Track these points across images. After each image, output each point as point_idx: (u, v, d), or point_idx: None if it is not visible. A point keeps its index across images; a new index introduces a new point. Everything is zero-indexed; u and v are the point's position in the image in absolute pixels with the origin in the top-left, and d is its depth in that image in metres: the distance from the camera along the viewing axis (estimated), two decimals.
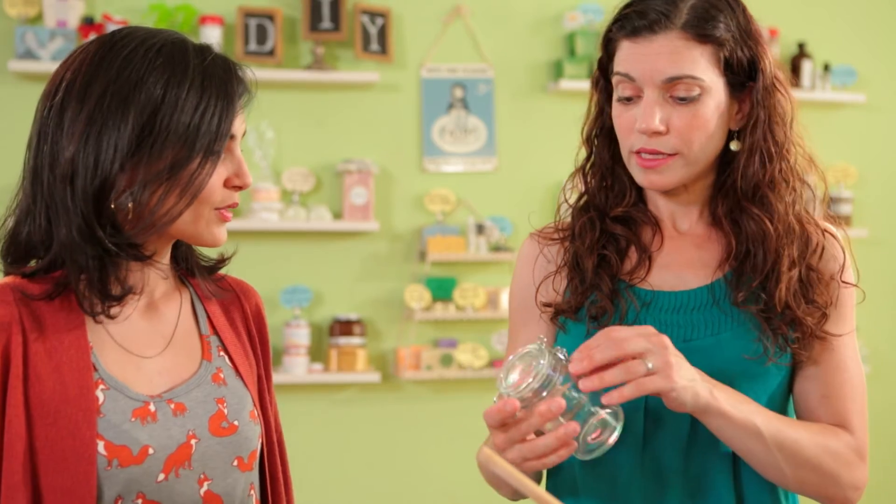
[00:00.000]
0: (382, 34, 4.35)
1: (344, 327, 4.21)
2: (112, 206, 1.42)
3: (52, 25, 4.01)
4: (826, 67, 4.71)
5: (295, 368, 4.13)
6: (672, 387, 1.42)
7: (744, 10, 1.61)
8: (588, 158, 1.69)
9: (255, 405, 1.57)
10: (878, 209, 4.79)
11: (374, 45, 4.33)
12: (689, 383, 1.44)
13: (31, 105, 1.48)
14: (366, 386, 4.32)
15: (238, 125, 1.49)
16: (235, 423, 1.53)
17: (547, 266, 1.68)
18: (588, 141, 1.69)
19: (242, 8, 4.22)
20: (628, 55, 1.58)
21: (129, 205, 1.42)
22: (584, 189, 1.69)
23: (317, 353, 4.27)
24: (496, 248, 4.37)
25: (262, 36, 4.22)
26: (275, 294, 4.23)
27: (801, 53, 4.65)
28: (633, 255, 1.64)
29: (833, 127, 4.70)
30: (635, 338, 1.42)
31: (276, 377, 4.08)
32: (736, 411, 1.49)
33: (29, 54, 3.96)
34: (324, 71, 4.22)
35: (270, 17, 4.24)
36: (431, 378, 4.29)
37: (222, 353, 1.58)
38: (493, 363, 4.36)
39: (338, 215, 4.31)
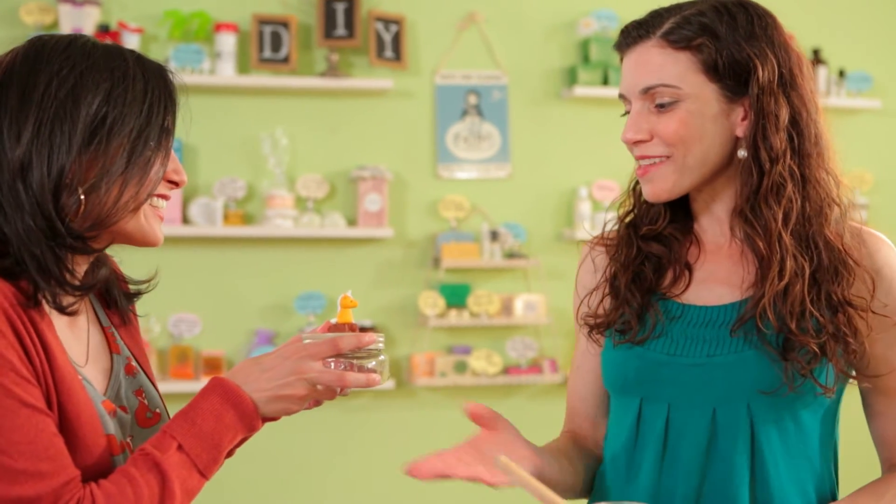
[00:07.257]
0: (397, 41, 4.35)
1: None
2: (64, 200, 1.40)
3: (67, 33, 4.03)
4: (841, 73, 4.71)
5: None
6: None
7: (756, 15, 1.57)
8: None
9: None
10: (894, 215, 4.78)
11: (389, 52, 4.34)
12: None
13: None
14: (380, 393, 4.32)
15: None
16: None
17: (592, 273, 1.71)
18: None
19: (257, 15, 4.23)
20: (622, 72, 1.61)
21: (81, 198, 1.40)
22: (632, 206, 1.70)
23: None
24: (510, 255, 4.37)
25: (276, 43, 4.24)
26: (289, 301, 4.24)
27: (816, 59, 4.64)
28: (672, 271, 1.64)
29: (848, 133, 4.68)
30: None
31: None
32: None
33: None
34: (338, 78, 4.23)
35: (285, 25, 4.25)
36: (445, 385, 4.29)
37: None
38: (508, 370, 4.36)
39: (352, 222, 4.31)
